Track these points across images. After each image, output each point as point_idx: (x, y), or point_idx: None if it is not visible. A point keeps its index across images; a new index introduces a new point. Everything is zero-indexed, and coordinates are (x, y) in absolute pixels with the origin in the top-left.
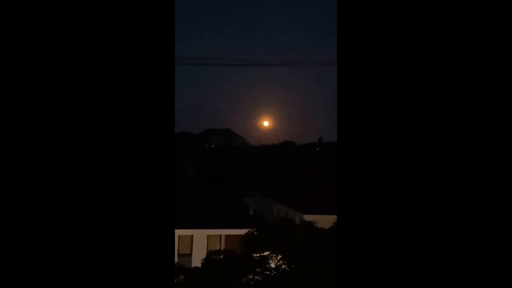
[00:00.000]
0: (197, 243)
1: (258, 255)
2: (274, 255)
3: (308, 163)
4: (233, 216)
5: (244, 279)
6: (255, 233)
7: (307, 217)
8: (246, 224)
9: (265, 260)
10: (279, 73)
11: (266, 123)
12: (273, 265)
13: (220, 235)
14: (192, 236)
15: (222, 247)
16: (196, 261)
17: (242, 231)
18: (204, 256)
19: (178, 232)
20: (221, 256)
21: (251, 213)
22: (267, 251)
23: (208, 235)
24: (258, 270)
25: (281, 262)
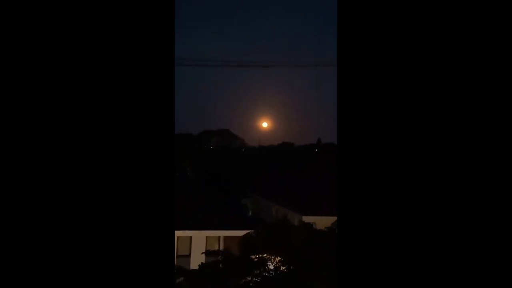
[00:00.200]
0: (196, 244)
1: (257, 256)
2: (273, 257)
3: (307, 164)
4: (232, 217)
5: (243, 280)
6: (254, 234)
7: (306, 218)
8: (245, 225)
9: (264, 261)
10: (279, 74)
11: (265, 124)
12: (272, 266)
13: (219, 236)
14: (190, 237)
15: (221, 248)
16: (195, 262)
17: (241, 232)
18: (202, 257)
19: (176, 233)
20: (220, 257)
21: (250, 214)
22: (266, 252)
23: (207, 236)
24: (257, 271)
25: (280, 263)
